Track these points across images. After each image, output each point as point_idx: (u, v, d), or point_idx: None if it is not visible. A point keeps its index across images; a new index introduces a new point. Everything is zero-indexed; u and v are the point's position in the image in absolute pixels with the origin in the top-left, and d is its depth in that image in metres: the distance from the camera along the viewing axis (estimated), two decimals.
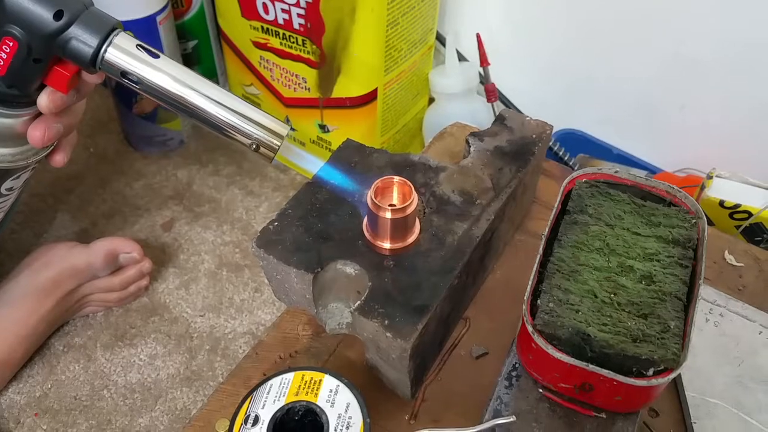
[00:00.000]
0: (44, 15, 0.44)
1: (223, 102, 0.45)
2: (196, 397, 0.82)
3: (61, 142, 0.56)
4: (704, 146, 0.95)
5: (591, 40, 0.96)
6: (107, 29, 0.44)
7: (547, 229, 0.49)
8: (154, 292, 0.92)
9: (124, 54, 0.44)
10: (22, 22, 0.44)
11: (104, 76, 0.47)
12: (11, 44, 0.44)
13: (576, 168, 0.96)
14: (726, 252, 0.68)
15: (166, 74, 0.44)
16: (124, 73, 0.44)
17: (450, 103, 1.03)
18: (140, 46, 0.44)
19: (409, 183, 0.50)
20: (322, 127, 1.02)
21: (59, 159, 0.56)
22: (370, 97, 0.95)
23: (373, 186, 0.50)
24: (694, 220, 0.50)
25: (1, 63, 0.45)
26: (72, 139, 0.57)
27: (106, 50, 0.44)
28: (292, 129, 1.03)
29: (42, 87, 0.48)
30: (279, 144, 0.46)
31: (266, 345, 0.59)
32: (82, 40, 0.44)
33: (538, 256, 0.47)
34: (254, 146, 0.46)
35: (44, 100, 0.48)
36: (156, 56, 0.44)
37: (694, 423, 0.53)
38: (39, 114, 0.50)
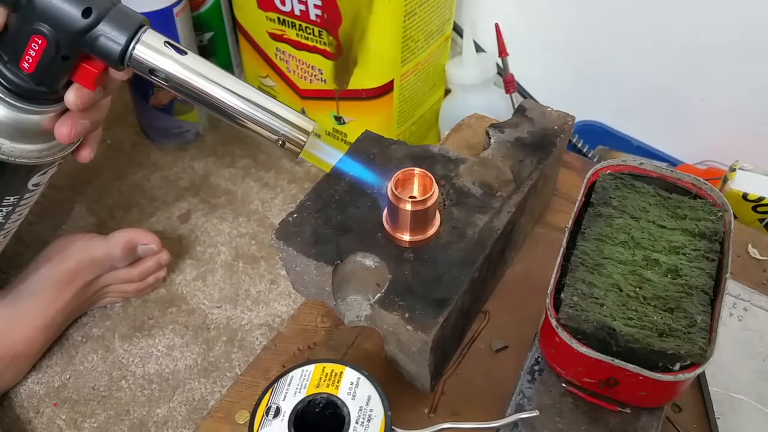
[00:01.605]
0: (73, 13, 0.44)
1: (250, 98, 0.45)
2: (214, 388, 0.82)
3: (87, 137, 0.56)
4: (726, 138, 0.94)
5: (610, 30, 0.95)
6: (135, 26, 0.44)
7: (570, 222, 0.48)
8: (172, 284, 0.93)
9: (152, 51, 0.44)
10: (50, 19, 0.44)
11: (131, 73, 0.47)
12: (40, 42, 0.45)
13: (595, 160, 0.95)
14: (750, 245, 0.66)
15: (193, 71, 0.45)
16: (152, 71, 0.45)
17: (467, 94, 1.02)
18: (168, 43, 0.45)
19: (429, 175, 0.50)
20: (338, 119, 1.02)
21: (85, 154, 0.56)
22: (387, 89, 0.94)
23: (393, 178, 0.49)
24: (720, 213, 0.50)
25: (30, 60, 0.46)
26: (98, 134, 0.57)
27: (134, 47, 0.44)
28: None
29: (69, 83, 0.48)
30: (305, 140, 0.46)
31: (285, 337, 0.59)
32: (111, 37, 0.44)
33: (562, 249, 0.47)
34: (281, 142, 0.46)
35: (71, 96, 0.48)
36: (184, 53, 0.45)
37: (718, 418, 0.53)
38: (66, 110, 0.51)
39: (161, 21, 0.97)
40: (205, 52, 1.13)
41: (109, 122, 1.16)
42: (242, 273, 0.94)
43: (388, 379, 0.54)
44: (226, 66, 1.18)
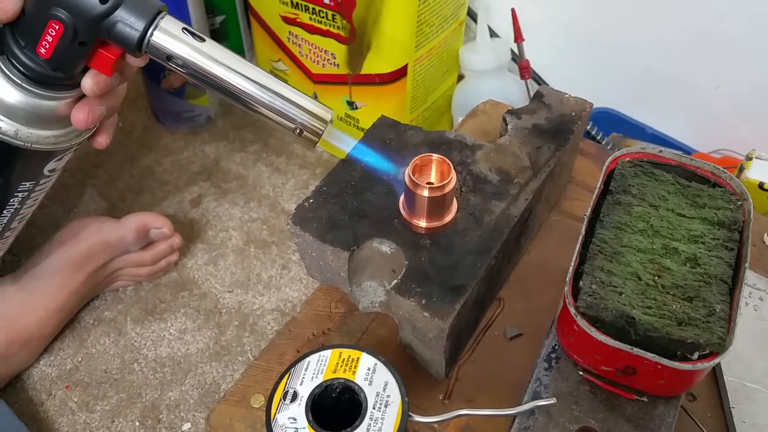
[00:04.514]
0: None
1: (269, 86, 0.45)
2: (225, 372, 0.82)
3: (103, 123, 0.56)
4: (741, 127, 0.93)
5: (625, 17, 0.94)
6: (153, 12, 0.44)
7: (589, 210, 0.48)
8: (183, 268, 0.93)
9: (169, 38, 0.44)
10: (68, 5, 0.43)
11: (148, 59, 0.47)
12: (57, 27, 0.44)
13: (610, 147, 0.95)
14: (765, 235, 0.66)
15: (211, 58, 0.44)
16: (170, 57, 0.44)
17: (480, 80, 1.01)
18: (186, 29, 0.44)
19: (447, 161, 0.50)
20: (351, 104, 1.01)
21: (102, 141, 0.56)
22: (400, 74, 0.94)
23: (411, 163, 0.49)
24: (739, 202, 0.49)
25: (47, 46, 0.45)
26: (113, 120, 0.57)
27: (152, 34, 0.44)
28: None
29: (86, 69, 0.48)
30: (323, 129, 0.46)
31: (299, 322, 0.59)
32: (128, 23, 0.44)
33: (581, 237, 0.46)
34: (298, 131, 0.46)
35: (88, 82, 0.48)
36: (202, 40, 0.44)
37: (733, 408, 0.52)
38: (82, 96, 0.50)
39: (173, 4, 0.96)
40: (217, 35, 1.13)
41: (120, 106, 1.15)
42: (253, 258, 0.94)
43: (402, 365, 0.54)
44: (238, 50, 1.17)
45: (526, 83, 0.99)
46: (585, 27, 0.99)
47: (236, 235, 0.97)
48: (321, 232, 0.51)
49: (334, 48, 0.96)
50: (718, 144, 0.95)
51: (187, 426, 0.78)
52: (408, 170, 0.49)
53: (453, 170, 0.49)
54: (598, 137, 0.96)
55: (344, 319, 0.59)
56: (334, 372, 0.43)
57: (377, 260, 0.52)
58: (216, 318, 0.87)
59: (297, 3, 0.94)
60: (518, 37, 0.96)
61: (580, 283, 0.44)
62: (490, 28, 0.99)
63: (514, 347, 0.57)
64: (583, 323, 0.42)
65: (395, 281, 0.48)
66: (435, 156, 0.50)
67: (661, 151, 0.51)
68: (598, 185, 0.49)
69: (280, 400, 0.42)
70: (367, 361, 0.44)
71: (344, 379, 0.43)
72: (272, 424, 0.41)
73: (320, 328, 0.58)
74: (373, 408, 0.42)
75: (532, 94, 0.67)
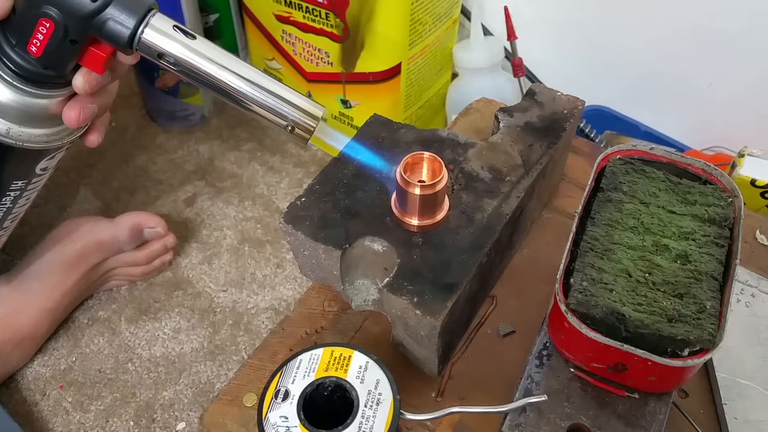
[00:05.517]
0: None
1: (260, 83, 0.45)
2: (220, 371, 0.82)
3: (95, 122, 0.56)
4: (733, 124, 0.93)
5: (619, 15, 0.94)
6: (144, 10, 0.44)
7: (580, 207, 0.48)
8: (178, 267, 0.93)
9: (160, 35, 0.44)
10: (59, 3, 0.44)
11: (139, 57, 0.47)
12: (48, 25, 0.44)
13: (603, 145, 0.95)
14: (757, 232, 0.66)
15: (202, 56, 0.44)
16: (161, 55, 0.44)
17: (474, 78, 1.01)
18: (177, 27, 0.44)
19: (439, 159, 0.50)
20: (345, 103, 1.01)
21: (93, 139, 0.56)
22: (394, 72, 0.94)
23: (402, 161, 0.49)
24: (730, 199, 0.49)
25: (38, 44, 0.45)
26: (105, 119, 0.57)
27: (143, 31, 0.44)
28: None
29: (77, 67, 0.48)
30: (315, 126, 0.46)
31: (292, 320, 0.59)
32: (119, 21, 0.44)
33: (571, 234, 0.47)
34: (290, 128, 0.46)
35: (80, 80, 0.48)
36: (193, 37, 0.44)
37: (725, 404, 0.53)
38: (74, 94, 0.50)
39: (167, 2, 0.96)
40: (211, 33, 1.12)
41: (114, 104, 1.14)
42: (248, 257, 0.94)
43: (395, 363, 0.54)
44: (232, 48, 1.17)
45: (519, 81, 0.99)
46: (578, 25, 0.99)
47: (231, 234, 0.97)
48: (313, 230, 0.51)
49: (328, 46, 0.96)
50: (712, 141, 0.95)
51: (181, 425, 0.78)
52: (399, 168, 0.49)
53: (444, 168, 0.49)
54: (592, 135, 0.97)
55: (338, 318, 0.59)
56: (326, 370, 0.43)
57: (369, 258, 0.52)
58: (210, 317, 0.87)
59: (291, 1, 0.94)
60: (511, 35, 0.96)
61: (571, 280, 0.44)
62: (483, 26, 0.99)
63: (507, 344, 0.57)
64: (573, 320, 0.42)
65: (387, 279, 0.48)
66: (426, 154, 0.50)
67: (652, 149, 0.51)
68: (589, 182, 0.49)
69: (272, 398, 0.42)
70: (358, 359, 0.44)
71: (336, 377, 0.43)
72: (264, 423, 0.41)
73: (313, 326, 0.58)
74: (365, 406, 0.42)
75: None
